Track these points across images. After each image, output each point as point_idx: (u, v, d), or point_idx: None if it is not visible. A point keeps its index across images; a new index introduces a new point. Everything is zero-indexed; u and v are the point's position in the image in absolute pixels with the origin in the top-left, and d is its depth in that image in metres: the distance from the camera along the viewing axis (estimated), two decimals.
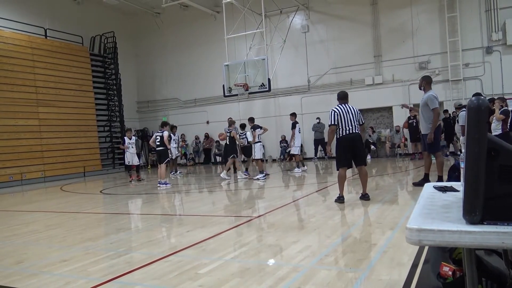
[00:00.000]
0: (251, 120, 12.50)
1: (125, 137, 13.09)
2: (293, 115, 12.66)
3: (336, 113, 6.41)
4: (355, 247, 4.04)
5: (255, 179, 11.18)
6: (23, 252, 4.73)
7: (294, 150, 12.67)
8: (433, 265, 3.32)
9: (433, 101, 7.14)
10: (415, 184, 7.77)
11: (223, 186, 10.48)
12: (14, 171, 14.79)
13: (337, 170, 6.61)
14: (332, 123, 6.43)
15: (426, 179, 7.42)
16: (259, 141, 11.93)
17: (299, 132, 12.66)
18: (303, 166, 13.02)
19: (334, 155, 6.85)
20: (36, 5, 16.94)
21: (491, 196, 1.54)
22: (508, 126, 8.04)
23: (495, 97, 9.12)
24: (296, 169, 12.73)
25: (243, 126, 12.51)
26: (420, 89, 7.59)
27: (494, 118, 8.00)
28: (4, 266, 4.16)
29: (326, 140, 16.18)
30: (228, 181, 11.47)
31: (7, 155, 14.67)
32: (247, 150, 12.44)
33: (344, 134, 6.41)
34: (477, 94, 9.57)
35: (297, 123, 12.44)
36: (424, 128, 7.42)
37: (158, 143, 11.13)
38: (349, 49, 17.35)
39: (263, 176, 11.22)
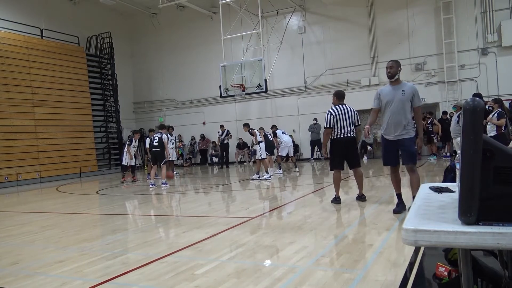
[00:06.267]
0: (246, 125, 12.37)
1: (132, 138, 13.05)
2: (274, 127, 13.63)
3: (332, 116, 6.39)
4: (351, 248, 4.05)
5: (251, 179, 11.22)
6: (19, 253, 4.71)
7: (289, 152, 12.92)
8: (428, 266, 3.34)
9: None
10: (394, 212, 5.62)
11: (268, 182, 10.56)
12: (9, 172, 14.71)
13: (331, 170, 6.65)
14: (328, 126, 6.42)
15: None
16: (262, 141, 11.90)
17: (283, 134, 13.00)
18: (279, 169, 13.02)
19: (328, 156, 6.88)
20: (32, 5, 16.87)
21: (486, 197, 1.55)
22: (503, 128, 8.05)
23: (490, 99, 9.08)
24: (294, 169, 12.89)
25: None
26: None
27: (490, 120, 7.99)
28: None
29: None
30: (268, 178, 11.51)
31: (3, 155, 14.57)
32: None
33: (338, 137, 6.42)
34: (477, 95, 9.55)
35: (276, 129, 13.19)
36: None
37: (156, 144, 11.10)
38: (346, 50, 17.39)
39: (260, 177, 11.23)
